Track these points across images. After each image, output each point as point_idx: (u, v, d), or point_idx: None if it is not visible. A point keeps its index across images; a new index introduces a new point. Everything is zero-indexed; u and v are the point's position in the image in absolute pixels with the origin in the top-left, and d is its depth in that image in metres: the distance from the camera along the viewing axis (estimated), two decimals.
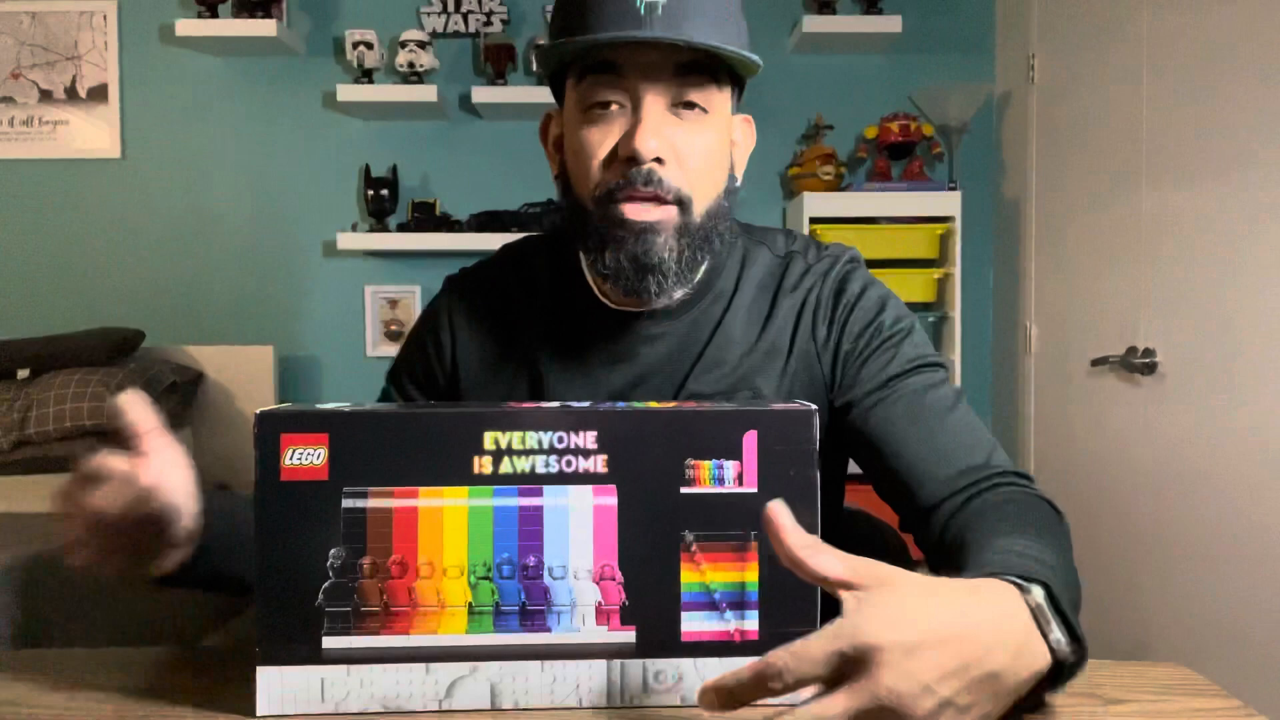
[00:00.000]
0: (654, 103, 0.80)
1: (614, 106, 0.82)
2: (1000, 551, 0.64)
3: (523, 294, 0.95)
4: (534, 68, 2.76)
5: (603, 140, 0.82)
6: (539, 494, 0.62)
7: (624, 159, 0.80)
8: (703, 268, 0.88)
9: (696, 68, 0.80)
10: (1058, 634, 0.54)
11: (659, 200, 0.81)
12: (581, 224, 0.85)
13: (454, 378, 0.95)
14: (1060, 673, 0.55)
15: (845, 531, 0.94)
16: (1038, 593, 0.55)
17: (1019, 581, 0.55)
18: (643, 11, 0.77)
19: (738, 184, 0.90)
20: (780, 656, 0.48)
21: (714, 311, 0.91)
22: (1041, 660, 0.53)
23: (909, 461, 0.82)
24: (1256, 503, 1.68)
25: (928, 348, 0.89)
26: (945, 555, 0.76)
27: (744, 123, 0.92)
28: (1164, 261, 1.94)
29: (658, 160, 0.80)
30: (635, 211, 0.81)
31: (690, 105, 0.81)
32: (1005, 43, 2.79)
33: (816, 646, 0.48)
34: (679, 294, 0.88)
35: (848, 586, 0.51)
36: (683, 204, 0.82)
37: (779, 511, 0.52)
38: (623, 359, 0.90)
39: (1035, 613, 0.54)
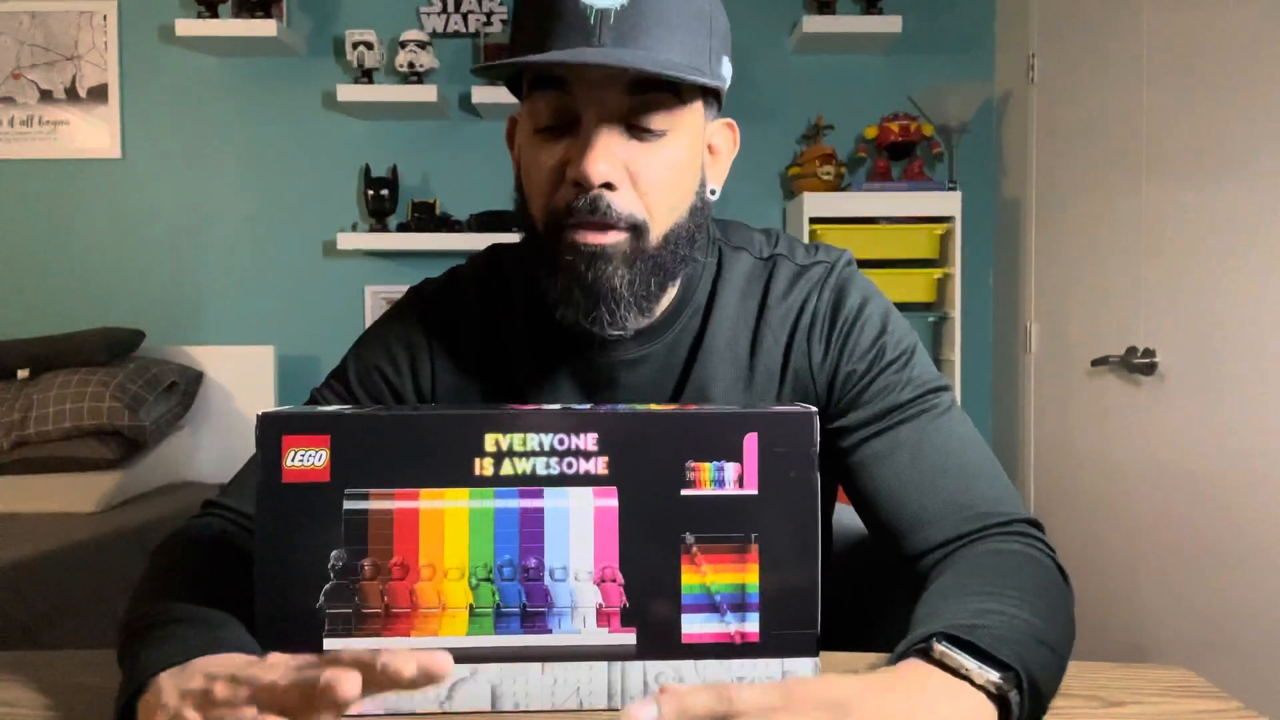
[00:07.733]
0: (603, 122, 0.73)
1: (563, 125, 0.75)
2: (952, 608, 0.61)
3: (499, 317, 0.89)
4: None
5: (550, 161, 0.76)
6: (540, 496, 0.62)
7: (571, 183, 0.74)
8: (667, 297, 0.83)
9: (653, 84, 0.73)
10: (972, 665, 0.54)
11: (608, 227, 0.74)
12: (535, 246, 0.79)
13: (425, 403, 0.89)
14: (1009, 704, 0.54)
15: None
16: (939, 646, 0.55)
17: (925, 646, 0.55)
18: (592, 21, 0.70)
19: (715, 195, 0.83)
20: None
21: (693, 325, 0.85)
22: (967, 697, 0.53)
23: (906, 507, 0.77)
24: (1256, 503, 1.68)
25: (931, 370, 0.84)
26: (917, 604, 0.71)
27: (725, 128, 0.84)
28: (1164, 261, 1.94)
29: (607, 186, 0.73)
30: (583, 236, 0.74)
31: (647, 130, 0.75)
32: (1005, 43, 2.79)
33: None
34: (635, 324, 0.80)
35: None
36: (636, 229, 0.75)
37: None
38: (604, 387, 0.85)
39: (942, 663, 0.54)
